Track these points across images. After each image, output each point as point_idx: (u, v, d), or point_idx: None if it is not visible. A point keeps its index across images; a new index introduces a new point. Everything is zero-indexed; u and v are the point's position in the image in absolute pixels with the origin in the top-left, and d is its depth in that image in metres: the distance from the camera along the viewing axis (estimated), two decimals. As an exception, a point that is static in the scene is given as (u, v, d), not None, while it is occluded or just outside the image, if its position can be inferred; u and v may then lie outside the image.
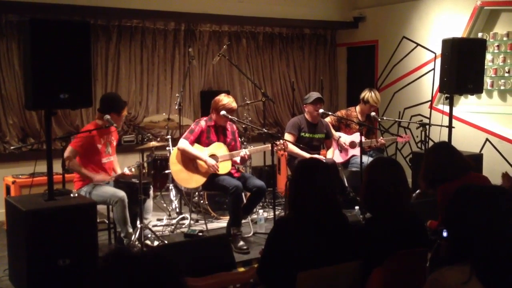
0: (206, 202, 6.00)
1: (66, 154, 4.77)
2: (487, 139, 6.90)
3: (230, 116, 5.28)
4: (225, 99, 5.32)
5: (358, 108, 6.66)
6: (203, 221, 5.77)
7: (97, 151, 5.00)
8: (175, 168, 5.36)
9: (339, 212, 2.94)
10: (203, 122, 5.43)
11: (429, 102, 7.65)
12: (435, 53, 7.43)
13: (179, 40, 7.63)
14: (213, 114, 5.38)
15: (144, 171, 6.03)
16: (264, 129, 5.73)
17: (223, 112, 5.24)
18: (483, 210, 1.89)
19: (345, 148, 6.48)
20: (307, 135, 6.08)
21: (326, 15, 8.53)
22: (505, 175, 4.14)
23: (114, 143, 5.27)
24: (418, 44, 7.78)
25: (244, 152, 5.34)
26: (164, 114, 6.76)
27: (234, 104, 5.36)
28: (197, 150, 5.31)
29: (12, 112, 6.53)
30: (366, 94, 6.51)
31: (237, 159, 5.48)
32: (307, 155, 5.83)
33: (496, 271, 1.81)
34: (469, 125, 7.09)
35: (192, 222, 5.81)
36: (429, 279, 1.94)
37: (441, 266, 1.91)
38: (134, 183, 4.99)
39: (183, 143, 5.30)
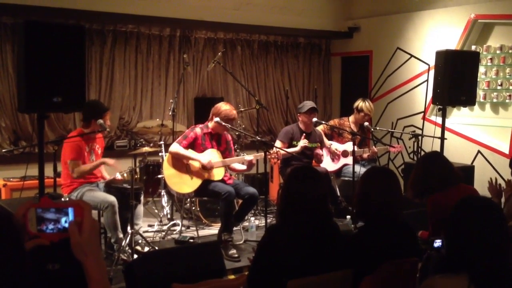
0: (198, 209, 5.98)
1: (70, 169, 4.81)
2: (479, 151, 6.93)
3: (223, 123, 5.27)
4: (227, 107, 5.32)
5: (351, 118, 6.67)
6: (194, 228, 5.74)
7: (83, 158, 5.00)
8: (168, 172, 5.34)
9: (330, 220, 2.93)
10: (198, 130, 5.42)
11: (422, 113, 7.68)
12: (428, 65, 7.47)
13: (174, 46, 7.64)
14: (211, 122, 5.37)
15: (136, 176, 6.00)
16: (257, 137, 5.72)
17: (217, 119, 5.24)
18: (483, 223, 1.92)
19: (337, 155, 6.47)
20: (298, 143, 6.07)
21: (321, 25, 8.57)
22: (491, 184, 4.15)
23: (99, 151, 5.25)
24: (412, 56, 7.82)
25: (250, 157, 5.33)
26: (157, 119, 6.74)
27: (234, 112, 5.36)
28: (189, 152, 5.30)
29: (5, 114, 6.50)
30: (360, 103, 6.54)
31: (237, 166, 5.48)
32: (297, 149, 5.86)
33: (492, 281, 1.83)
34: (461, 137, 7.13)
35: (183, 228, 5.79)
36: (421, 286, 1.95)
37: (433, 274, 1.93)
38: (126, 188, 4.97)
39: (175, 147, 5.29)
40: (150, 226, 5.96)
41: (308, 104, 6.11)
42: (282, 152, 5.66)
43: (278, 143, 6.01)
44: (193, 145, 5.35)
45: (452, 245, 1.97)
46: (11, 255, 1.21)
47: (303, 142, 5.90)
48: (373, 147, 6.41)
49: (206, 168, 5.26)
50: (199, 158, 5.26)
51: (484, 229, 1.91)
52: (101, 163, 5.06)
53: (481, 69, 6.70)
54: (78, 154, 4.90)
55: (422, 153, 6.40)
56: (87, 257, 1.36)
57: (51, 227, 1.36)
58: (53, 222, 1.36)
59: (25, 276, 1.24)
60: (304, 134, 6.00)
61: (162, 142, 6.30)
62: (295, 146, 6.03)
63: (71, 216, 1.36)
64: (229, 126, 5.39)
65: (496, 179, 4.22)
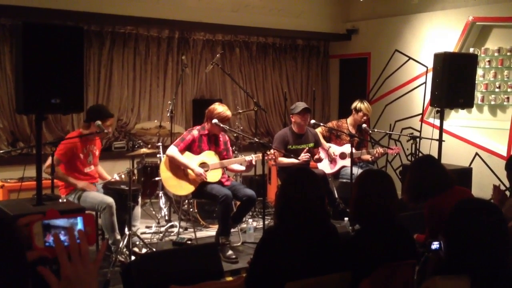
0: (196, 210, 5.98)
1: (48, 162, 4.76)
2: (476, 153, 6.94)
3: (221, 125, 5.28)
4: (220, 108, 5.32)
5: (349, 119, 6.67)
6: (192, 229, 5.75)
7: (79, 160, 4.99)
8: (165, 175, 5.34)
9: (327, 222, 2.93)
10: (195, 131, 5.42)
11: (420, 116, 7.69)
12: (426, 67, 7.48)
13: (173, 48, 7.64)
14: (207, 123, 5.37)
15: (134, 178, 6.01)
16: (255, 139, 5.72)
17: (214, 121, 5.24)
18: (482, 225, 1.91)
19: (334, 159, 6.48)
20: (294, 147, 6.06)
21: (319, 27, 8.58)
22: (496, 188, 4.17)
23: (97, 153, 5.24)
24: (410, 58, 7.83)
25: (250, 157, 5.32)
26: (155, 121, 6.74)
27: (228, 113, 5.36)
28: (186, 158, 5.30)
29: (3, 116, 6.49)
30: (358, 104, 6.55)
31: (235, 166, 5.48)
32: (296, 161, 5.81)
33: (494, 284, 1.83)
34: (459, 139, 7.14)
35: (181, 230, 5.78)
36: (421, 287, 1.95)
37: (433, 276, 1.93)
38: (123, 190, 4.97)
39: (172, 150, 5.28)
40: (147, 227, 5.96)
41: (301, 105, 6.11)
42: (280, 160, 5.67)
43: None
44: (190, 147, 5.35)
45: (452, 248, 1.97)
46: (13, 261, 1.19)
47: (305, 157, 5.82)
48: (378, 148, 6.40)
49: (200, 177, 5.25)
50: (193, 168, 5.25)
51: (483, 231, 1.91)
52: (74, 185, 4.92)
53: (479, 72, 6.70)
54: (65, 156, 4.87)
55: (420, 155, 6.40)
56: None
57: (63, 238, 1.27)
58: (64, 231, 1.28)
59: (26, 276, 1.22)
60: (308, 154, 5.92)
61: (160, 144, 6.30)
62: (291, 150, 5.98)
63: (80, 226, 1.33)
64: (227, 128, 5.39)
65: (499, 186, 4.23)
